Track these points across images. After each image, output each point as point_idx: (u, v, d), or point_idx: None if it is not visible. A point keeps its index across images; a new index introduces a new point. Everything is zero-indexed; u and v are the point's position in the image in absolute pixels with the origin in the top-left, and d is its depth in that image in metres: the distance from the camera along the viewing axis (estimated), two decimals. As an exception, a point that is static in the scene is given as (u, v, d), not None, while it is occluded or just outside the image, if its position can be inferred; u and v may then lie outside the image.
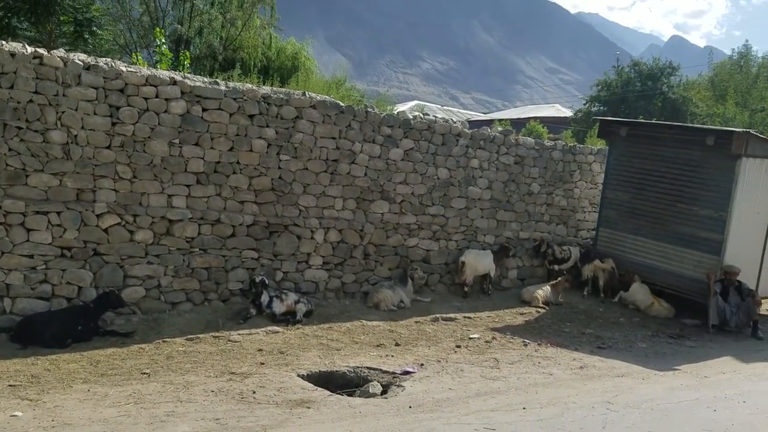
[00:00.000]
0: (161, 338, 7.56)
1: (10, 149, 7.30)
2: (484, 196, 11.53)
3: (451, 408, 5.81)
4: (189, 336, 7.71)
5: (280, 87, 10.66)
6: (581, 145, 13.48)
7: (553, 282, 11.47)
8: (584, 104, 34.33)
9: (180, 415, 5.20)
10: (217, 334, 7.90)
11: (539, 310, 10.69)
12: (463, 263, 10.87)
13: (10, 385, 5.66)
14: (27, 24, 13.14)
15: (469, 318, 9.74)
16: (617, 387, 6.86)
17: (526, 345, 8.49)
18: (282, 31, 20.78)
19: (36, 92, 7.44)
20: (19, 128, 7.35)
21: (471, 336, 8.72)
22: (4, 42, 7.38)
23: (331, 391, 6.24)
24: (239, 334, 7.92)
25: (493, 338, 8.72)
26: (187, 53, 14.22)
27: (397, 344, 8.12)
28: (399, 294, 10.07)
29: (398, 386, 6.52)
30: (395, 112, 12.88)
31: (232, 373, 6.49)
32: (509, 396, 6.30)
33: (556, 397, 6.39)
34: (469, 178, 11.32)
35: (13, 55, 7.27)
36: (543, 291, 11.14)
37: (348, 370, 6.96)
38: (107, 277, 7.96)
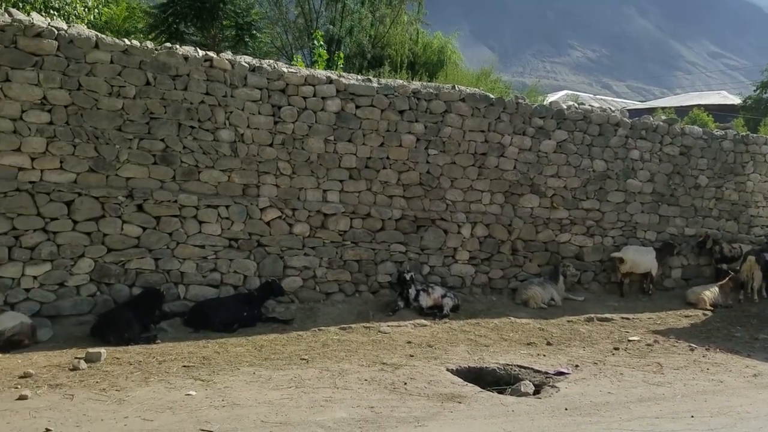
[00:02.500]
0: (317, 326, 7.89)
1: (184, 147, 7.93)
2: (644, 190, 10.86)
3: (611, 413, 5.53)
4: (342, 325, 7.98)
5: (428, 82, 10.71)
6: (755, 135, 12.29)
7: (721, 282, 10.57)
8: (755, 90, 31.29)
9: (337, 401, 5.39)
10: (367, 324, 8.10)
11: (706, 312, 9.90)
12: (622, 260, 10.31)
13: (184, 366, 6.14)
14: (193, 29, 14.16)
15: (627, 319, 9.23)
16: (800, 400, 6.18)
17: (692, 350, 7.88)
18: (428, 26, 20.87)
19: (207, 93, 8.01)
20: (192, 127, 7.96)
21: (630, 338, 8.24)
22: (177, 46, 8.04)
23: (481, 388, 6.18)
24: (388, 326, 8.07)
25: (655, 341, 8.19)
26: (341, 53, 14.69)
27: (548, 343, 7.87)
28: (549, 291, 9.77)
29: (552, 387, 6.31)
30: (547, 103, 12.48)
31: (384, 363, 6.62)
32: (675, 403, 5.88)
33: (728, 406, 5.87)
34: (629, 170, 10.72)
35: (186, 58, 7.89)
36: (710, 292, 10.31)
37: (498, 368, 6.84)
38: (269, 267, 8.43)
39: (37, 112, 7.10)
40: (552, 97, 24.87)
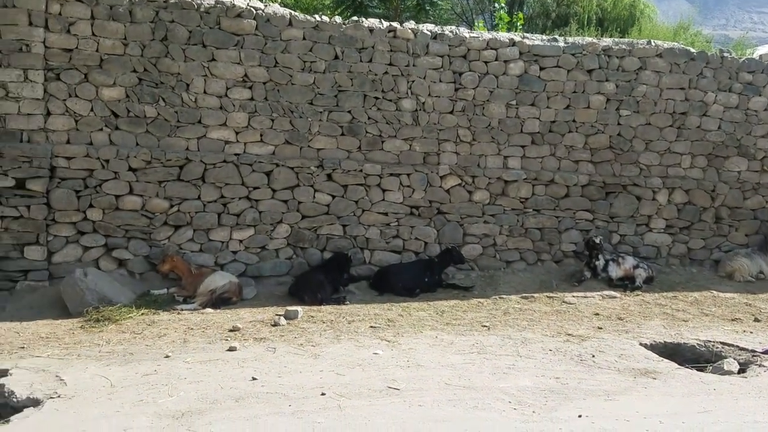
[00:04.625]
0: (497, 294, 7.83)
1: (369, 118, 8.19)
2: None
3: (837, 401, 4.88)
4: (524, 294, 7.84)
5: (620, 38, 10.00)
6: None
7: None
8: None
9: (520, 369, 5.32)
10: (551, 294, 7.89)
11: None
12: None
13: (371, 327, 6.42)
14: (376, 1, 14.48)
15: None
16: None
17: None
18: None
19: (390, 64, 8.18)
20: (377, 98, 8.19)
21: None
22: (363, 18, 8.27)
23: (678, 364, 5.76)
24: (574, 296, 7.79)
25: None
26: (521, 14, 14.22)
27: (756, 320, 7.12)
28: (758, 263, 8.85)
29: (760, 366, 5.71)
30: (756, 56, 11.10)
31: (569, 334, 6.41)
32: None
33: None
34: None
35: (371, 30, 8.10)
36: None
37: (698, 344, 6.32)
38: (449, 235, 8.50)
39: (239, 89, 7.71)
40: (762, 50, 22.06)
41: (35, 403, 4.41)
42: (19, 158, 6.85)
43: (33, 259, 6.96)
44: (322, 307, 7.02)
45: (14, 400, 4.47)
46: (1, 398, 4.55)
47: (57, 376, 4.83)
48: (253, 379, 4.91)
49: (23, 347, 5.52)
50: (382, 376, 5.04)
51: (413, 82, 8.26)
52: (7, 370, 4.88)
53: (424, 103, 8.32)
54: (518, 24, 13.56)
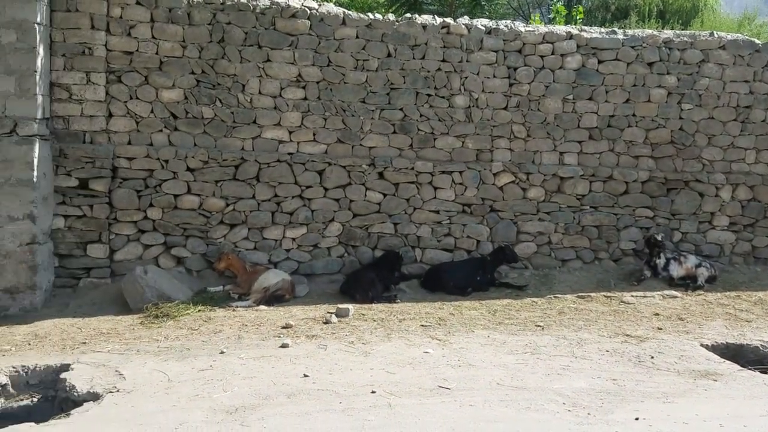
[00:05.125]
0: (552, 293, 7.68)
1: (421, 115, 8.15)
2: None
3: None
4: (579, 293, 7.67)
5: (682, 30, 9.68)
6: None
7: None
8: None
9: (575, 370, 5.21)
10: (608, 293, 7.69)
11: None
12: None
13: (422, 325, 6.40)
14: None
15: None
16: None
17: None
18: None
19: (443, 60, 8.11)
20: (429, 95, 8.14)
21: None
22: (417, 15, 8.25)
23: (741, 366, 5.54)
24: (632, 296, 7.58)
25: None
26: (580, 7, 13.92)
27: (829, 323, 6.78)
28: (829, 263, 8.39)
29: (829, 370, 5.45)
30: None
31: (627, 335, 6.24)
32: None
33: None
34: None
35: (424, 27, 8.06)
36: None
37: (761, 345, 6.08)
38: (502, 233, 8.38)
39: (293, 89, 7.79)
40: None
41: (95, 397, 4.57)
42: (83, 159, 7.11)
43: (96, 257, 7.21)
44: (373, 305, 7.04)
45: (75, 394, 4.65)
46: (63, 392, 4.74)
47: (117, 370, 5.00)
48: (305, 375, 4.96)
49: (85, 342, 5.74)
50: (433, 375, 5.02)
51: (466, 78, 8.18)
52: (69, 365, 5.08)
53: (477, 99, 8.23)
54: (577, 17, 13.28)
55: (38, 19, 6.69)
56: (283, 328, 6.18)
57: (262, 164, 7.67)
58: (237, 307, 6.87)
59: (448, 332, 6.18)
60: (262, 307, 6.89)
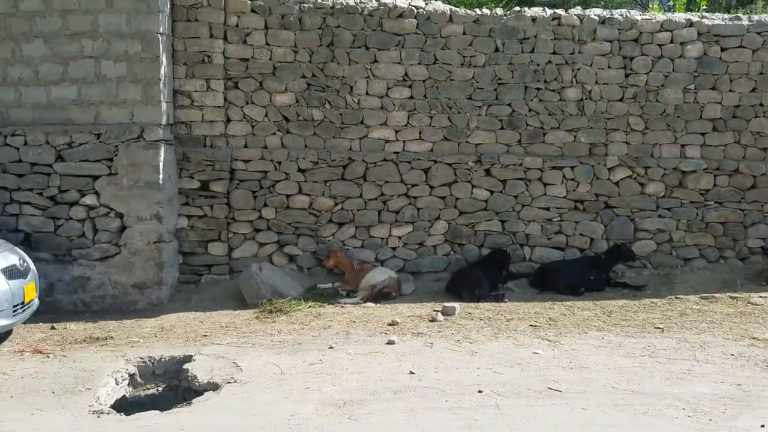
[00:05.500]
0: (673, 294, 7.29)
1: (530, 110, 7.96)
2: None
3: None
4: (703, 294, 7.24)
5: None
6: None
7: None
8: None
9: (697, 375, 4.90)
10: (734, 294, 7.21)
11: None
12: None
13: (531, 325, 6.24)
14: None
15: None
16: None
17: None
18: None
19: (553, 53, 7.91)
20: (538, 89, 7.94)
21: None
22: (526, 8, 8.07)
23: None
24: (761, 297, 7.06)
25: None
26: (703, -7, 13.06)
27: None
28: None
29: None
30: None
31: (754, 338, 5.81)
32: None
33: None
34: None
35: (534, 19, 7.89)
36: None
37: None
38: (618, 230, 8.02)
39: (399, 88, 7.85)
40: None
41: (214, 387, 4.82)
42: (204, 162, 7.52)
43: (216, 255, 7.61)
44: (480, 304, 6.95)
45: (196, 384, 4.93)
46: (186, 382, 5.04)
47: (234, 362, 5.25)
48: (411, 372, 4.98)
49: (206, 335, 6.06)
50: (542, 377, 4.90)
51: (578, 70, 7.92)
52: (191, 356, 5.39)
53: (590, 92, 7.94)
54: (701, 4, 12.47)
55: (161, 30, 7.14)
56: (390, 325, 6.24)
57: (369, 164, 7.78)
58: (345, 303, 7.02)
59: (559, 333, 6.00)
60: (369, 304, 6.99)
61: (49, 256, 7.00)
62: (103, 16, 7.02)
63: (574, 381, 4.81)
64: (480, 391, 4.61)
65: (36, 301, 6.14)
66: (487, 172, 7.93)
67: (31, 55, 7.05)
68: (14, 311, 5.64)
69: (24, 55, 7.05)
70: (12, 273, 5.72)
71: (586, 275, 7.53)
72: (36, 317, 6.21)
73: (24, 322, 6.07)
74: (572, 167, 7.96)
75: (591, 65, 7.92)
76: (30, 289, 5.92)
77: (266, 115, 7.77)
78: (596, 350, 5.52)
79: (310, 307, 6.84)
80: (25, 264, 6.02)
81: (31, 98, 7.10)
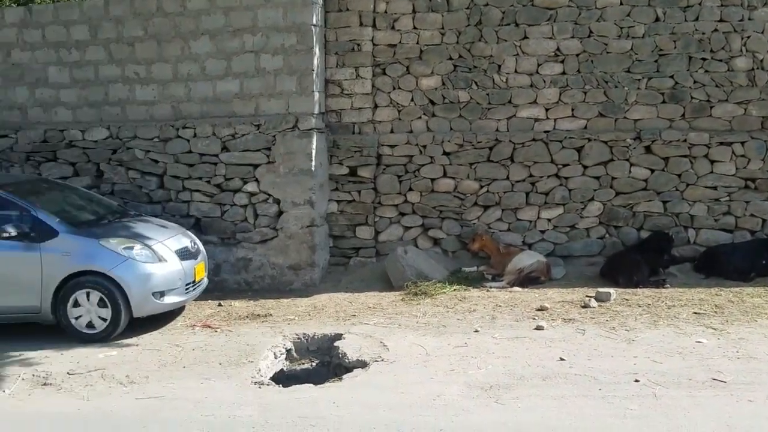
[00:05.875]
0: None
1: (695, 82, 7.38)
2: None
3: None
4: None
5: None
6: None
7: None
8: None
9: None
10: None
11: None
12: None
13: (695, 313, 5.80)
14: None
15: None
16: None
17: None
18: None
19: (720, 20, 7.30)
20: (704, 59, 7.34)
21: None
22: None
23: None
24: None
25: None
26: None
27: None
28: None
29: None
30: None
31: None
32: None
33: None
34: None
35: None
36: None
37: None
38: (795, 211, 7.22)
39: (550, 64, 7.58)
40: None
41: (362, 365, 4.98)
42: (352, 149, 7.74)
43: (363, 238, 7.82)
44: (638, 289, 6.56)
45: (346, 360, 5.13)
46: (336, 359, 5.26)
47: (381, 342, 5.38)
48: (561, 359, 4.83)
49: (354, 315, 6.27)
50: (706, 367, 4.56)
51: (749, 37, 7.23)
52: (341, 335, 5.61)
53: (762, 61, 7.22)
54: None
55: (314, 21, 7.42)
56: (538, 310, 6.07)
57: (517, 144, 7.59)
58: (491, 287, 6.93)
59: (726, 321, 5.54)
60: (516, 288, 6.84)
61: (216, 239, 7.59)
62: (261, 11, 7.43)
63: (741, 371, 4.45)
64: (636, 381, 4.38)
65: (205, 280, 6.69)
66: (647, 149, 7.44)
67: (198, 52, 7.63)
68: (186, 289, 6.21)
69: (192, 52, 7.64)
70: (184, 254, 6.28)
71: (757, 259, 6.88)
72: (205, 294, 6.77)
73: (195, 299, 6.63)
74: (742, 143, 7.29)
75: (763, 32, 7.23)
76: (200, 269, 6.47)
77: (412, 100, 7.82)
78: (766, 339, 5.04)
79: (454, 290, 6.83)
80: (196, 246, 6.59)
81: (199, 93, 7.69)
